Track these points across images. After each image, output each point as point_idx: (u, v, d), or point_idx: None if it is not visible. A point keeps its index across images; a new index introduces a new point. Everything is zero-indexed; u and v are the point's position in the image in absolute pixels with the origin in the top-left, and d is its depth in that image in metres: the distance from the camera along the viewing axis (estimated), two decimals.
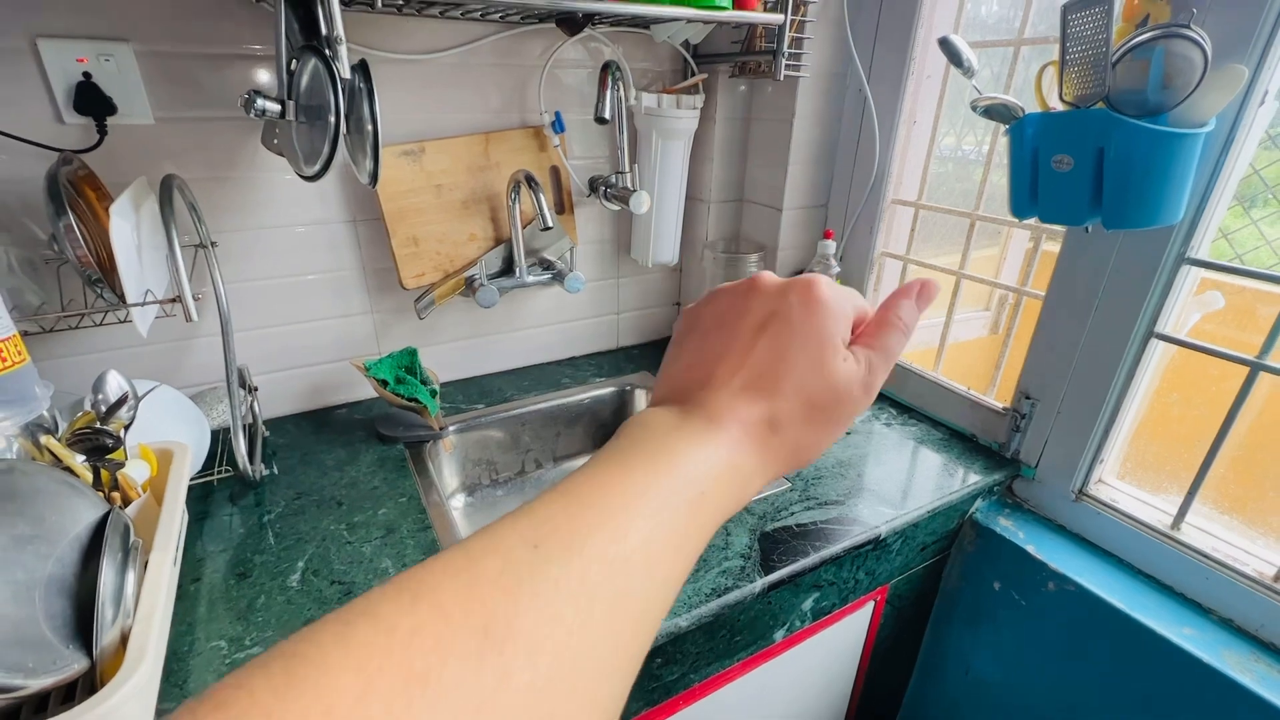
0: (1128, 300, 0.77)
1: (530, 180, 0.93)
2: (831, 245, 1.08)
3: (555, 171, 1.06)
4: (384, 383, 0.94)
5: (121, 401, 0.61)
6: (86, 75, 0.73)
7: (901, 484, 0.87)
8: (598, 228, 1.16)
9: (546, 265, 1.09)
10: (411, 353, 0.99)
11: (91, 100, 0.74)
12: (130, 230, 0.64)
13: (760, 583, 0.69)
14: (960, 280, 1.00)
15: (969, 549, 0.94)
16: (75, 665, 0.43)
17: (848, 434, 1.00)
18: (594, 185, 1.10)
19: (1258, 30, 0.62)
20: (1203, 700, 0.70)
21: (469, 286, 1.02)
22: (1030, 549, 0.85)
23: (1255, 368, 0.69)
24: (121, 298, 0.65)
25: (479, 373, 1.15)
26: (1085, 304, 0.81)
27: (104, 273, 0.67)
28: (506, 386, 1.12)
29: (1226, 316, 0.78)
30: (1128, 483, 0.86)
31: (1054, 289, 0.85)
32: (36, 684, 0.40)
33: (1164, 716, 0.75)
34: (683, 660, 0.70)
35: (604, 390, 1.14)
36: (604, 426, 1.15)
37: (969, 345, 1.13)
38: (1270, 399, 0.76)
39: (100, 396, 0.62)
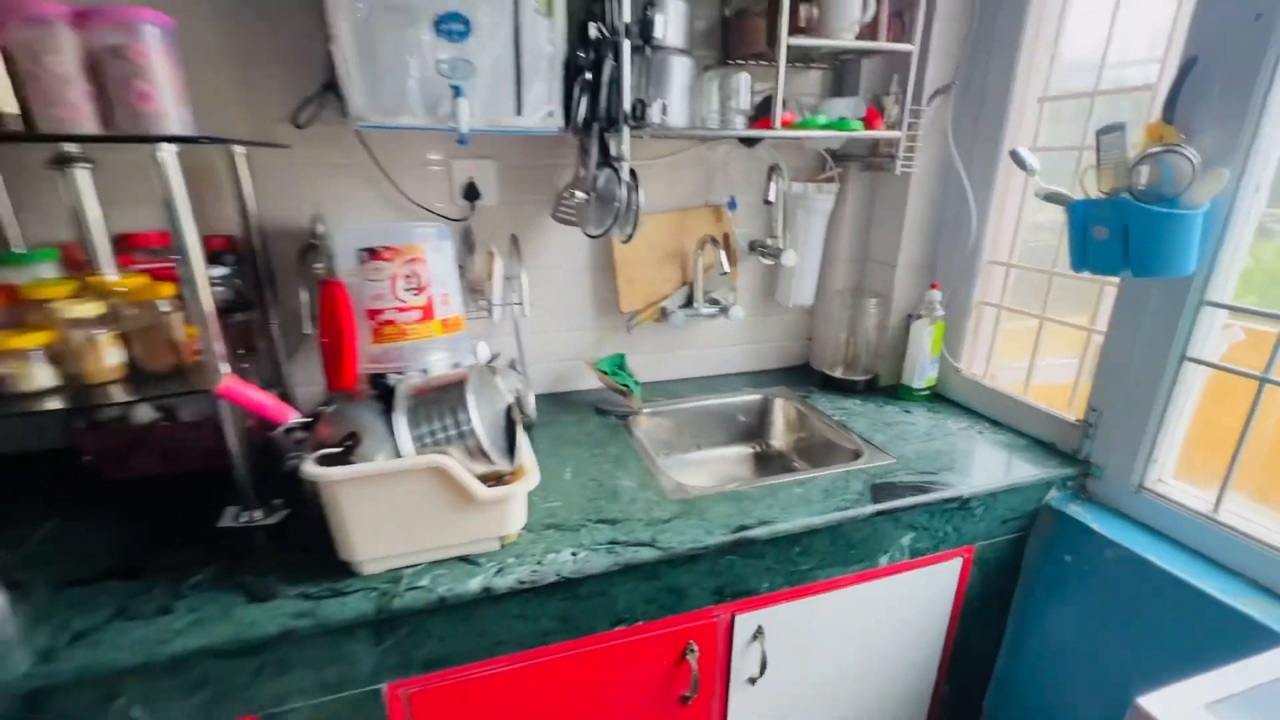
0: (1165, 332, 1.03)
1: (713, 240, 1.37)
2: (937, 295, 1.41)
3: (726, 237, 1.49)
4: (606, 373, 1.38)
5: (494, 357, 1.09)
6: (470, 179, 1.28)
7: (987, 469, 1.15)
8: (753, 278, 1.57)
9: (715, 302, 1.51)
10: (621, 357, 1.44)
11: (470, 192, 1.28)
12: (501, 265, 1.15)
13: (868, 509, 1.02)
14: (1042, 323, 1.29)
15: (1046, 531, 1.18)
16: (510, 466, 0.87)
17: (945, 434, 1.29)
18: (753, 246, 1.52)
19: (1239, 146, 0.91)
20: (1245, 646, 0.90)
21: (663, 314, 1.46)
22: (1095, 526, 1.09)
23: (1262, 381, 0.93)
24: (489, 302, 1.15)
25: (663, 378, 1.57)
26: (1133, 335, 1.08)
27: (480, 288, 1.18)
28: (681, 389, 1.52)
29: (1247, 344, 1.01)
30: (1181, 480, 1.08)
31: (1113, 325, 1.12)
32: (506, 469, 0.85)
33: (1211, 664, 0.95)
34: (813, 555, 1.03)
35: (751, 398, 1.52)
36: (748, 424, 1.52)
37: (1064, 387, 1.35)
38: None
39: (480, 352, 1.10)
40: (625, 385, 1.37)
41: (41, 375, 0.85)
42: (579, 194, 1.16)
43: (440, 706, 0.89)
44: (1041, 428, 1.27)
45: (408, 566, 0.85)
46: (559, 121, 1.11)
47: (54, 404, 0.84)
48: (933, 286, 1.41)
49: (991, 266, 1.38)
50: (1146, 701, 0.58)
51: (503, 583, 0.84)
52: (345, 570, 0.84)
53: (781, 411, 1.51)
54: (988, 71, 1.29)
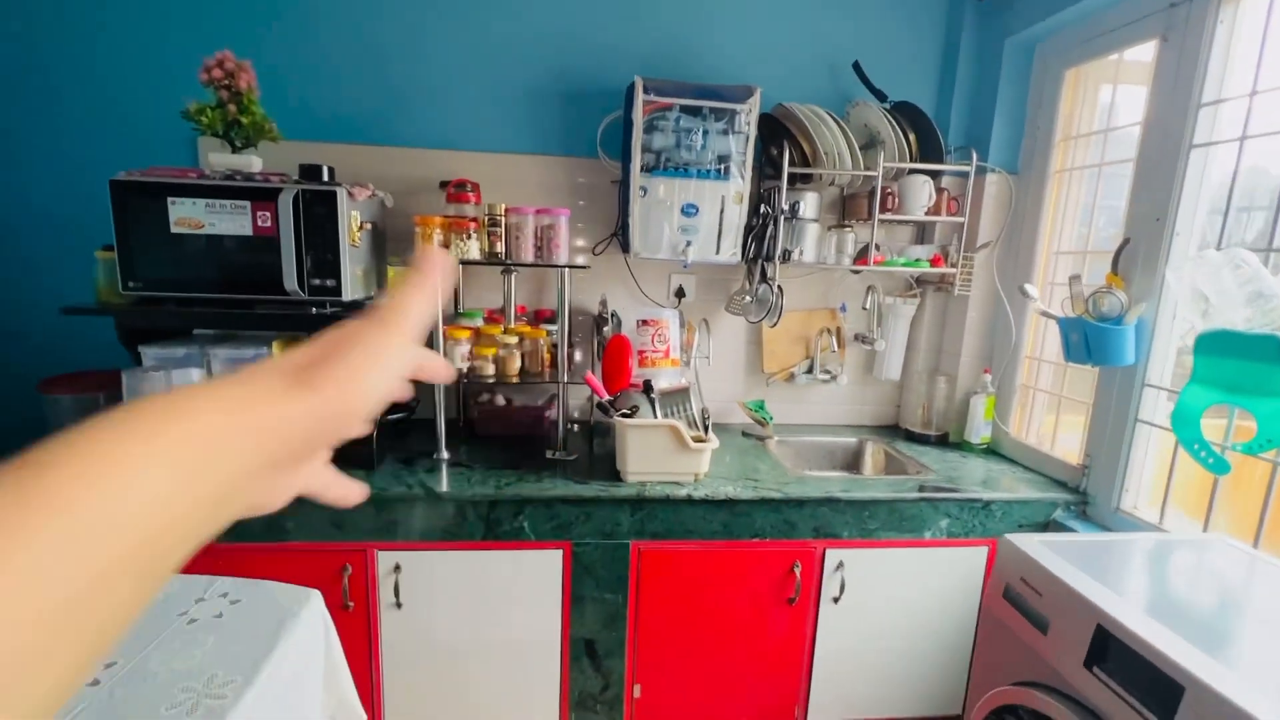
0: (1123, 403, 1.60)
1: (829, 330, 2.12)
2: (989, 377, 2.03)
3: (838, 329, 2.24)
4: (751, 409, 2.14)
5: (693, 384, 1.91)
6: (680, 285, 2.16)
7: (1009, 489, 1.73)
8: (856, 358, 2.28)
9: (828, 373, 2.23)
10: (762, 401, 2.20)
11: (680, 293, 2.16)
12: (697, 335, 1.99)
13: (914, 493, 1.66)
14: (1061, 398, 1.87)
15: None
16: (705, 437, 1.65)
17: (987, 470, 1.87)
18: (856, 337, 2.24)
19: (1153, 289, 1.53)
20: None
21: (791, 376, 2.21)
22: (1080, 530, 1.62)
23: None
24: (691, 355, 1.98)
25: (788, 422, 2.29)
26: (1108, 406, 1.65)
27: (686, 347, 2.02)
28: (801, 431, 2.23)
29: None
30: (1149, 505, 1.60)
31: (1096, 399, 1.70)
32: (704, 438, 1.63)
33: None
34: (877, 519, 1.67)
35: (850, 440, 2.19)
36: (845, 458, 2.18)
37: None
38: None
39: (687, 378, 1.92)
40: (764, 418, 2.12)
41: (489, 369, 1.79)
42: (748, 297, 1.98)
43: (656, 561, 1.64)
44: (1058, 471, 1.82)
45: (650, 480, 1.64)
46: (738, 257, 1.96)
47: (491, 381, 1.77)
48: (985, 371, 2.04)
49: (1029, 360, 1.99)
50: (1011, 537, 1.19)
51: (696, 494, 1.60)
52: (618, 477, 1.65)
53: (870, 451, 2.16)
54: (1021, 234, 1.97)
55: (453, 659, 1.65)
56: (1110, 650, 0.93)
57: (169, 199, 1.48)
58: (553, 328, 1.87)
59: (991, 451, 2.06)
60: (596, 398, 1.72)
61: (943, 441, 2.14)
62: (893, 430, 2.28)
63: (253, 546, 1.51)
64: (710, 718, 1.78)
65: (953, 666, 1.81)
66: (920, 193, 1.94)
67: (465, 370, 1.78)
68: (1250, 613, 1.03)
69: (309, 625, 1.09)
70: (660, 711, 1.75)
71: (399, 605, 1.59)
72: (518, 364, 1.81)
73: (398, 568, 1.57)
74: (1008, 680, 1.12)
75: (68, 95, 1.88)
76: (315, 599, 1.14)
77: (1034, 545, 1.16)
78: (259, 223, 1.52)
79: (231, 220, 1.51)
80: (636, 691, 1.72)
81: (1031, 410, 2.00)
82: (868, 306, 2.11)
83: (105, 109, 1.89)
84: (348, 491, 0.38)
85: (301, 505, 1.34)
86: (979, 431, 2.05)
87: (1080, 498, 1.71)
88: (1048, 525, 1.73)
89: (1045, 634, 1.05)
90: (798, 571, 1.68)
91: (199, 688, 0.89)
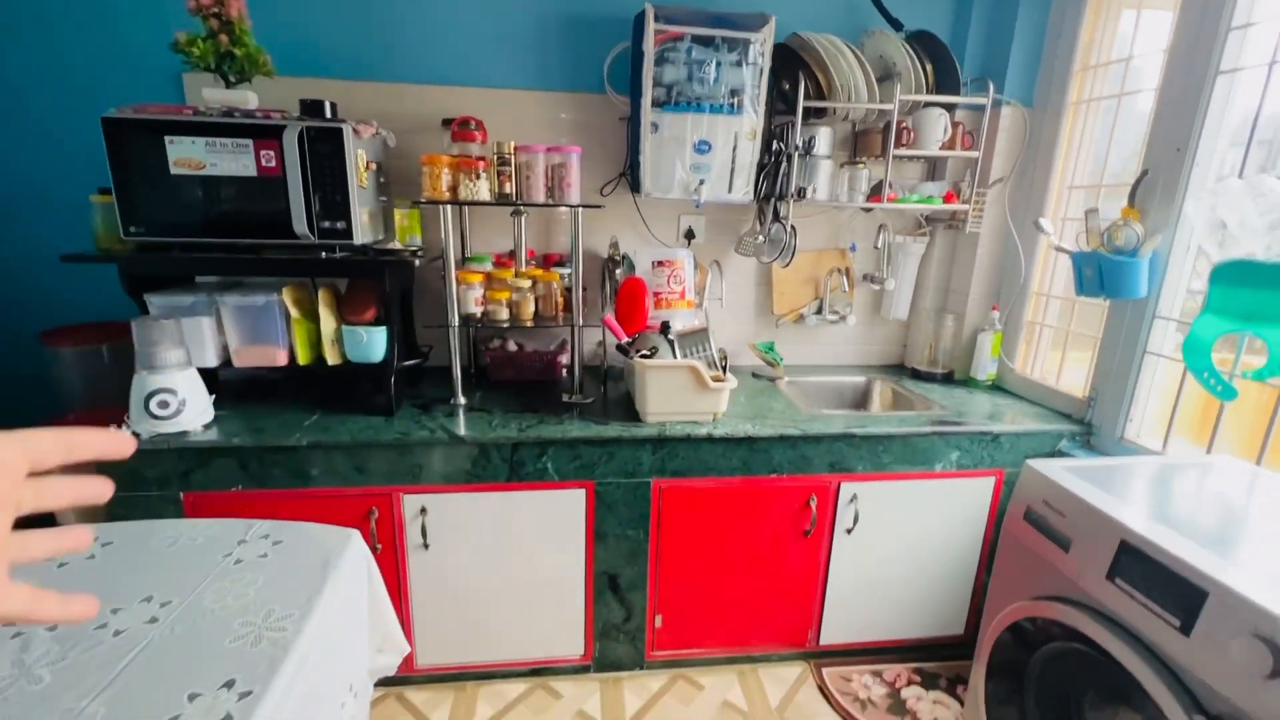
0: (1132, 335, 1.63)
1: (839, 271, 2.12)
2: (997, 314, 2.05)
3: (847, 269, 2.23)
4: (762, 351, 2.15)
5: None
6: (689, 227, 2.12)
7: (1015, 422, 1.78)
8: (864, 299, 2.28)
9: (837, 313, 2.24)
10: (771, 343, 2.21)
11: (689, 234, 2.13)
12: (709, 276, 1.97)
13: (927, 428, 1.69)
14: (1068, 334, 1.90)
15: None
16: (724, 376, 1.66)
17: (994, 405, 1.92)
18: (865, 277, 2.24)
19: (1170, 221, 1.53)
20: None
21: (801, 318, 2.22)
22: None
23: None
24: (702, 297, 1.97)
25: (797, 363, 2.31)
26: (1117, 339, 1.68)
27: (699, 289, 2.01)
28: (809, 371, 2.26)
29: None
30: (1151, 435, 1.65)
31: (1105, 333, 1.73)
32: (722, 377, 1.64)
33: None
34: (891, 453, 1.71)
35: (858, 379, 2.22)
36: (854, 397, 2.22)
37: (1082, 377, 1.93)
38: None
39: (702, 320, 1.91)
40: (774, 360, 2.14)
41: (502, 313, 1.77)
42: (760, 238, 1.96)
43: (677, 498, 1.68)
44: (1064, 404, 1.86)
45: (670, 420, 1.66)
46: (750, 195, 1.93)
47: (505, 326, 1.76)
48: (994, 308, 2.06)
49: (1037, 296, 2.01)
50: (1033, 462, 1.23)
51: (716, 433, 1.62)
52: (637, 418, 1.67)
53: (878, 389, 2.19)
54: (1035, 168, 1.96)
55: (480, 596, 1.70)
56: (1132, 562, 0.98)
57: (166, 138, 1.42)
58: (565, 271, 1.85)
59: (996, 388, 2.10)
60: (614, 340, 1.71)
61: (948, 379, 2.18)
62: (898, 369, 2.32)
63: (281, 493, 1.52)
64: (727, 642, 1.86)
65: (956, 591, 1.90)
66: (935, 127, 1.90)
67: (479, 315, 1.76)
68: (1261, 525, 1.09)
69: (353, 562, 1.10)
70: (680, 638, 1.83)
71: (426, 546, 1.62)
72: (531, 308, 1.79)
73: (424, 510, 1.60)
74: (1026, 596, 1.18)
75: (44, 30, 1.75)
76: (355, 538, 1.15)
77: (1056, 470, 1.20)
78: (263, 162, 1.46)
79: (234, 160, 1.45)
80: (658, 621, 1.79)
81: (1038, 347, 2.03)
82: (879, 245, 2.10)
83: (88, 45, 1.77)
84: (65, 607, 0.40)
85: (324, 451, 1.34)
86: (985, 369, 2.09)
87: (1085, 429, 1.76)
88: (1053, 456, 1.78)
89: (1067, 551, 1.10)
90: (813, 505, 1.73)
91: (258, 622, 0.91)
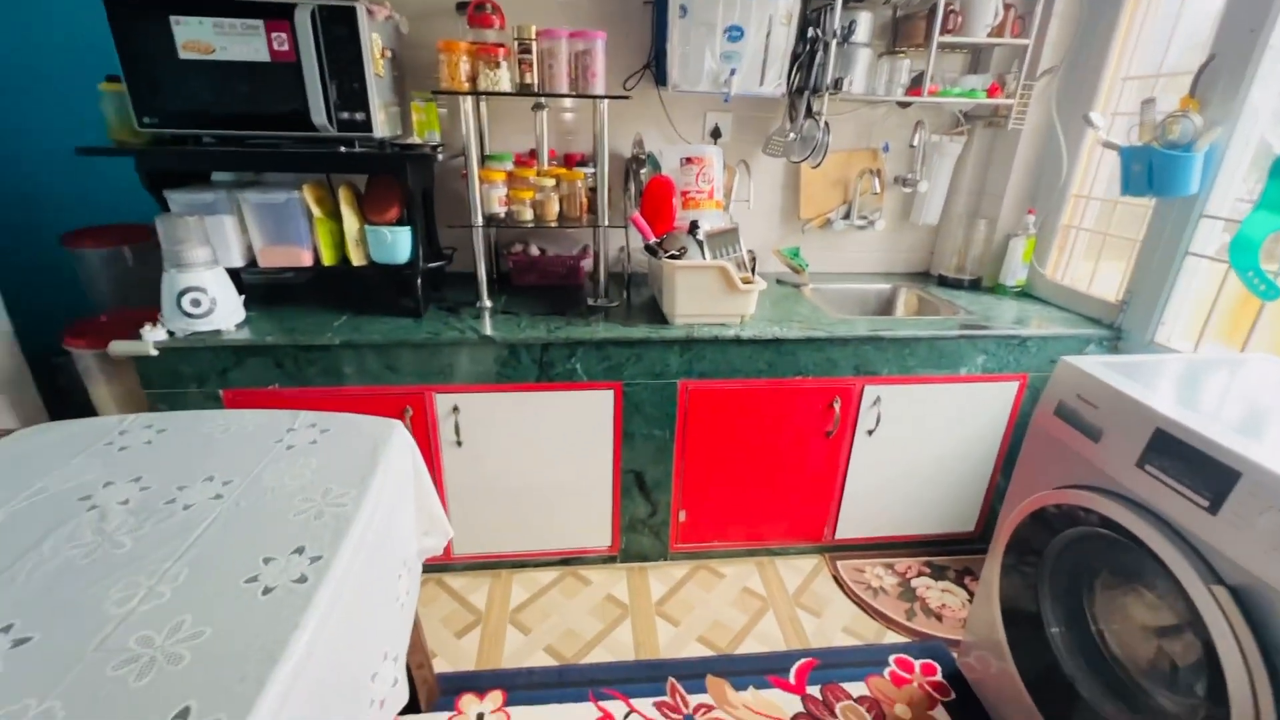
0: (1175, 235, 1.59)
1: (870, 172, 2.04)
2: (1033, 218, 1.99)
3: (879, 171, 2.15)
4: (787, 256, 2.12)
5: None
6: (716, 124, 2.03)
7: (1043, 327, 1.77)
8: (894, 203, 2.21)
9: (865, 218, 2.18)
10: (797, 248, 2.16)
11: (716, 132, 2.04)
12: (737, 176, 1.90)
13: (955, 331, 1.69)
14: (1106, 237, 1.84)
15: None
16: (753, 278, 1.64)
17: (1021, 310, 1.90)
18: (897, 179, 2.16)
19: (1232, 113, 1.45)
20: None
21: (828, 222, 2.16)
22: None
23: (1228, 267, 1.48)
24: (729, 198, 1.91)
25: (823, 270, 2.27)
26: (1158, 240, 1.64)
27: (726, 190, 1.95)
28: (835, 278, 2.23)
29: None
30: (1182, 338, 1.64)
31: (1147, 234, 1.68)
32: (751, 279, 1.62)
33: None
34: (917, 356, 1.72)
35: (883, 286, 2.19)
36: (879, 304, 2.20)
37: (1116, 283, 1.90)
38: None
39: (731, 220, 1.87)
40: (800, 265, 2.10)
41: (526, 214, 1.73)
42: (791, 135, 1.88)
43: (703, 399, 1.70)
44: (1094, 309, 1.84)
45: (698, 323, 1.66)
46: (783, 89, 1.83)
47: (530, 226, 1.72)
48: (1029, 211, 2.00)
49: (1076, 199, 1.94)
50: (1069, 358, 1.24)
51: (744, 335, 1.62)
52: (663, 320, 1.67)
53: (903, 296, 2.17)
54: (1088, 58, 1.83)
55: (513, 490, 1.77)
56: (1165, 448, 1.00)
57: (172, 19, 1.34)
58: (589, 170, 1.79)
59: (1024, 294, 2.07)
60: (640, 242, 1.68)
61: (976, 286, 2.15)
62: (924, 277, 2.28)
63: (317, 390, 1.55)
64: (746, 536, 1.95)
65: (970, 490, 1.96)
66: (986, 10, 1.77)
67: (503, 215, 1.72)
68: None
69: (399, 448, 1.14)
70: (702, 532, 1.92)
71: (459, 444, 1.67)
72: (556, 208, 1.75)
73: (456, 409, 1.63)
74: (1050, 487, 1.21)
75: None
76: (399, 427, 1.18)
77: (1092, 364, 1.21)
78: (274, 46, 1.38)
79: (244, 44, 1.37)
80: (682, 516, 1.87)
81: (1071, 253, 1.98)
82: (914, 144, 2.01)
83: None
84: None
85: (356, 350, 1.35)
86: (1014, 274, 2.05)
87: (1114, 333, 1.75)
88: None
89: (1097, 441, 1.12)
90: (837, 407, 1.75)
91: (318, 498, 0.96)
